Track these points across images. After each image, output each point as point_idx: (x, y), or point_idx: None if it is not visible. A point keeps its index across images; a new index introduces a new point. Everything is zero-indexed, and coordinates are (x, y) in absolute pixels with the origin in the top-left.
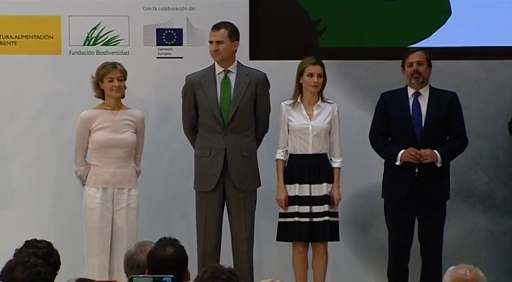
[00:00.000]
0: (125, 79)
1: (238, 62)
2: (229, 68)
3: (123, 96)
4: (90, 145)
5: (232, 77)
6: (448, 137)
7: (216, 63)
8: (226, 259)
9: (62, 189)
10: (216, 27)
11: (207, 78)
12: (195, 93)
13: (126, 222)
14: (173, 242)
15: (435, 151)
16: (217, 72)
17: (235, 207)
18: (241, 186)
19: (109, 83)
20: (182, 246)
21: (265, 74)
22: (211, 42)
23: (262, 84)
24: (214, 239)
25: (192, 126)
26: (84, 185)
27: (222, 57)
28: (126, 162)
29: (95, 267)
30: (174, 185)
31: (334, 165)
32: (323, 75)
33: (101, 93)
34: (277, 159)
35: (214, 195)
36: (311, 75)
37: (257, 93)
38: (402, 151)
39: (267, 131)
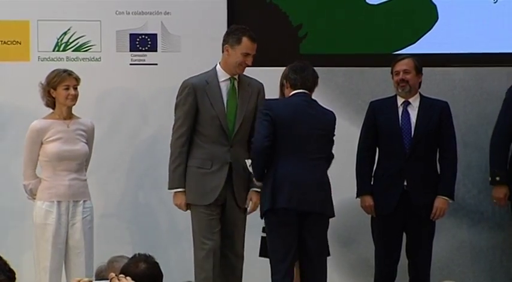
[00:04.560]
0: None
1: None
2: (235, 76)
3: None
4: (42, 157)
5: (236, 86)
6: (438, 150)
7: (219, 70)
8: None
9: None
10: (254, 38)
11: (211, 86)
12: (198, 100)
13: (84, 235)
14: (147, 258)
15: (442, 197)
16: (221, 80)
17: (233, 224)
18: (242, 203)
19: (64, 91)
20: (156, 263)
21: (262, 84)
22: (247, 54)
23: (262, 94)
24: (218, 254)
25: (184, 137)
26: (34, 199)
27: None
28: (78, 173)
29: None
30: (148, 197)
31: None
32: None
33: (52, 102)
34: None
35: (213, 208)
36: None
37: (258, 104)
38: (364, 196)
39: None
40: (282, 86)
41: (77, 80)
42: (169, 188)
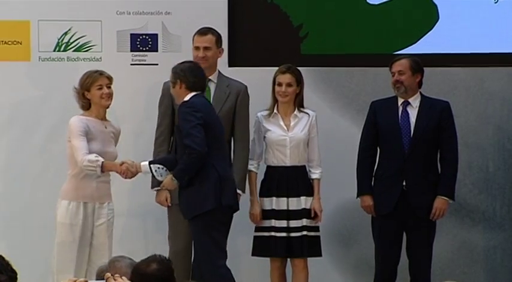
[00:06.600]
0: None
1: (219, 72)
2: (210, 77)
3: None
4: (73, 157)
5: (212, 87)
6: (438, 150)
7: None
8: None
9: (32, 201)
10: (203, 32)
11: None
12: (173, 101)
13: (108, 237)
14: (162, 260)
15: (442, 198)
16: None
17: None
18: None
19: (98, 90)
20: (171, 268)
21: (246, 86)
22: (197, 48)
23: (242, 96)
24: (189, 253)
25: (162, 136)
26: (102, 169)
27: (209, 64)
28: (105, 176)
29: None
30: (151, 197)
31: (314, 176)
32: (296, 84)
33: (87, 104)
34: (249, 171)
35: None
36: (280, 84)
37: (237, 105)
38: (364, 196)
39: (249, 143)
40: (173, 83)
41: (109, 78)
42: (151, 188)
